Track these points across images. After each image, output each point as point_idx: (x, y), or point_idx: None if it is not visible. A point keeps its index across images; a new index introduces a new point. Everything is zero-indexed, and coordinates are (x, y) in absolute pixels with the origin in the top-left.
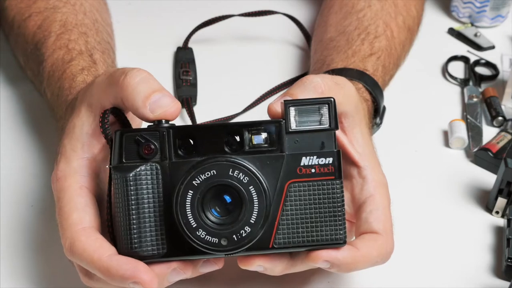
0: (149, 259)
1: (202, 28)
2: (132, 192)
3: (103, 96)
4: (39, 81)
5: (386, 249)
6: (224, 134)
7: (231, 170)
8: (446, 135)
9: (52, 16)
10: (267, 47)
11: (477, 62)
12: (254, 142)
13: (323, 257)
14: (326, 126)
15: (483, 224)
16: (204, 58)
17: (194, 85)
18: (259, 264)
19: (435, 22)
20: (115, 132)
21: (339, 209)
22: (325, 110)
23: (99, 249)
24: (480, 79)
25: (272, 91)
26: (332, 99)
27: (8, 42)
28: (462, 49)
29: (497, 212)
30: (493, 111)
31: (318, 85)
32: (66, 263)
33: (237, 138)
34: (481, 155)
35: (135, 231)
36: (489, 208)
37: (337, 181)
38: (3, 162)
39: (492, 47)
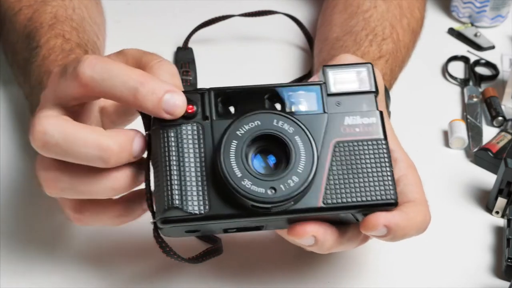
0: (192, 219)
1: (202, 28)
2: (174, 149)
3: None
4: (24, 66)
5: (426, 216)
6: (264, 96)
7: (275, 120)
8: (446, 135)
9: (42, 9)
10: (267, 47)
11: (477, 62)
12: (295, 103)
13: (381, 222)
14: (367, 88)
15: (483, 224)
16: (204, 58)
17: (194, 85)
18: (312, 233)
19: (435, 22)
20: None
21: (387, 168)
22: (364, 74)
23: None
24: (480, 79)
25: None
26: (370, 64)
27: (1, 40)
28: (462, 49)
29: (497, 212)
30: (493, 111)
31: (351, 58)
32: (66, 263)
33: (277, 101)
34: (481, 155)
35: (176, 187)
36: (489, 208)
37: (382, 141)
38: (3, 162)
39: (492, 47)
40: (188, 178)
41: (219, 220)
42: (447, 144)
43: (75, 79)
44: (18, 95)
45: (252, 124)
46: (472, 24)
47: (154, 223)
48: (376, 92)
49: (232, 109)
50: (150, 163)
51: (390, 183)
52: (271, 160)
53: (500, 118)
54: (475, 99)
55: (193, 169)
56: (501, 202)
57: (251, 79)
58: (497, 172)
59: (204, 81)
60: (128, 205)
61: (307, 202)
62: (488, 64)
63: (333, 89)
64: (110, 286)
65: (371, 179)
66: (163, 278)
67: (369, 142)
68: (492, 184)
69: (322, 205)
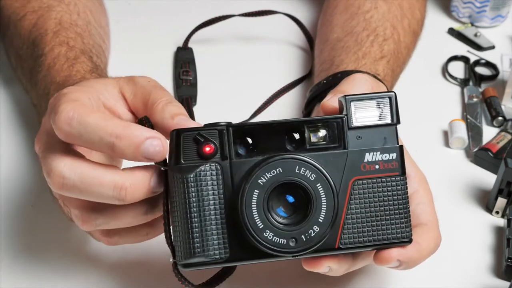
0: (212, 265)
1: (202, 28)
2: (193, 194)
3: None
4: (30, 75)
5: (438, 240)
6: (284, 132)
7: (297, 167)
8: (446, 135)
9: (46, 14)
10: (267, 47)
11: (477, 62)
12: (315, 139)
13: (395, 257)
14: (388, 121)
15: (483, 224)
16: (204, 58)
17: (194, 85)
18: (328, 265)
19: (435, 22)
20: (171, 132)
21: (404, 205)
22: (386, 105)
23: (113, 118)
24: (480, 79)
25: (278, 94)
26: (393, 93)
27: (3, 42)
28: (462, 49)
29: (497, 212)
30: (493, 111)
31: (368, 82)
32: (66, 263)
33: (297, 135)
34: (481, 155)
35: (197, 234)
36: (489, 208)
37: (401, 177)
38: (3, 162)
39: (492, 47)
40: (208, 223)
41: (239, 262)
42: (447, 144)
43: (56, 131)
44: (18, 95)
45: (274, 172)
46: (472, 24)
47: (174, 263)
48: (398, 123)
49: (250, 146)
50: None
51: (406, 221)
52: (289, 199)
53: (500, 118)
54: (475, 99)
55: (212, 213)
56: (501, 202)
57: (251, 78)
58: (497, 172)
59: (204, 81)
60: (153, 224)
61: (325, 245)
62: (488, 64)
63: (355, 122)
64: (110, 287)
65: (387, 217)
66: None
67: (388, 179)
68: (492, 184)
69: (340, 245)
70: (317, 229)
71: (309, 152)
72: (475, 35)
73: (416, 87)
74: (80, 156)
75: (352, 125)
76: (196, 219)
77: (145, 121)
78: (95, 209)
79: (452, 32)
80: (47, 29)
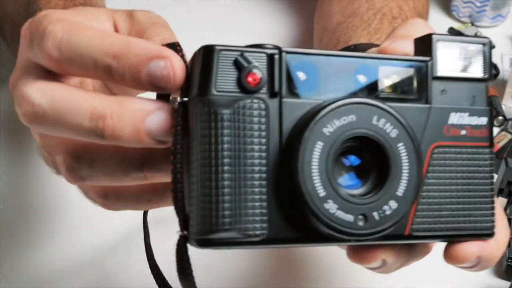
0: (242, 245)
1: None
2: (227, 138)
3: None
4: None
5: (508, 229)
6: (354, 70)
7: (376, 117)
8: None
9: None
10: None
11: None
12: (392, 85)
13: (475, 253)
14: (480, 74)
15: None
16: None
17: None
18: (383, 257)
19: (435, 21)
20: (201, 48)
21: (490, 187)
22: (478, 54)
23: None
24: None
25: None
26: (489, 40)
27: None
28: None
29: None
30: (494, 110)
31: (430, 29)
32: (66, 263)
33: (368, 78)
34: None
35: (227, 197)
36: None
37: (490, 150)
38: (3, 162)
39: (492, 47)
40: (243, 184)
41: (279, 244)
42: None
43: (44, 59)
44: None
45: (345, 120)
46: (472, 24)
47: (184, 238)
48: (490, 79)
49: (309, 83)
50: (178, 148)
51: (491, 207)
52: (353, 160)
53: (501, 117)
54: None
55: (250, 171)
56: (501, 201)
57: None
58: (498, 172)
59: None
60: (161, 191)
61: (393, 231)
62: None
63: (440, 71)
64: (110, 286)
65: (469, 200)
66: None
67: (474, 151)
68: None
69: (411, 232)
70: (394, 206)
71: (383, 101)
72: (475, 34)
73: None
74: (58, 81)
75: (437, 74)
76: (228, 175)
77: (178, 47)
78: (80, 153)
79: (452, 31)
80: None
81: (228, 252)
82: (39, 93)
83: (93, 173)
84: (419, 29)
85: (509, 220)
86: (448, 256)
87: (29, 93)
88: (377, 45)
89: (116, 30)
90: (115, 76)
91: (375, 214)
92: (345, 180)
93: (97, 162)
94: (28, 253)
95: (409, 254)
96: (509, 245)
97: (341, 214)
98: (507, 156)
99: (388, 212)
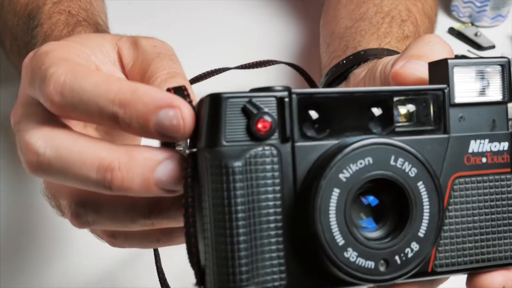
0: None
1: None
2: (240, 192)
3: None
4: (25, 50)
5: None
6: (367, 105)
7: (393, 157)
8: None
9: None
10: None
11: None
12: (409, 116)
13: (500, 283)
14: (499, 97)
15: None
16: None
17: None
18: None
19: None
20: (207, 97)
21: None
22: (496, 75)
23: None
24: None
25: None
26: (508, 59)
27: None
28: (463, 48)
29: None
30: None
31: (447, 47)
32: (66, 263)
33: (383, 112)
34: None
35: (245, 253)
36: None
37: (511, 176)
38: (3, 161)
39: (493, 47)
40: (259, 237)
41: None
42: None
43: (46, 102)
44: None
45: (361, 163)
46: (472, 24)
47: None
48: (510, 101)
49: (321, 124)
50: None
51: None
52: (371, 201)
53: None
54: None
55: (265, 222)
56: None
57: None
58: None
59: None
60: (170, 232)
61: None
62: None
63: (458, 97)
64: (109, 286)
65: (493, 230)
66: None
67: (497, 178)
68: None
69: (434, 268)
70: (416, 248)
71: (398, 135)
72: (475, 34)
73: None
74: (63, 127)
75: (455, 101)
76: (243, 229)
77: (186, 91)
78: (85, 200)
79: (452, 31)
80: (45, 0)
81: None
82: (43, 141)
83: (98, 220)
84: (434, 47)
85: None
86: (472, 286)
87: (33, 141)
88: (387, 50)
89: (120, 59)
90: (122, 125)
91: (397, 258)
92: (365, 223)
93: (103, 209)
94: (28, 252)
95: (432, 284)
96: None
97: (361, 261)
98: None
99: (410, 255)
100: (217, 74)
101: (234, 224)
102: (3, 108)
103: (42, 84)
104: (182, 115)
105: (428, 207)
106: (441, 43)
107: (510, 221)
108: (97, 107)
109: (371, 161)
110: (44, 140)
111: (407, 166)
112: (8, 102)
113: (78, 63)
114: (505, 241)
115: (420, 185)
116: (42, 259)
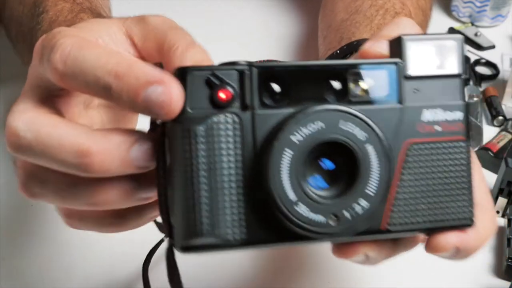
0: (222, 249)
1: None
2: (203, 153)
3: None
4: (30, 36)
5: (495, 222)
6: (323, 78)
7: (341, 121)
8: None
9: None
10: None
11: (478, 62)
12: (361, 89)
13: (454, 243)
14: (454, 71)
15: None
16: None
17: None
18: (365, 253)
19: (435, 21)
20: (177, 70)
21: (467, 179)
22: (451, 50)
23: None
24: (481, 78)
25: None
26: (461, 36)
27: (3, 19)
28: None
29: (497, 212)
30: (494, 110)
31: (416, 27)
32: (66, 263)
33: (339, 84)
34: (481, 155)
35: (205, 206)
36: None
37: (466, 143)
38: (3, 161)
39: (493, 47)
40: (220, 192)
41: (257, 246)
42: None
43: (51, 71)
44: (18, 94)
45: (312, 127)
46: (472, 24)
47: (171, 245)
48: (465, 74)
49: (279, 95)
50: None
51: (469, 198)
52: (328, 164)
53: (501, 117)
54: (475, 99)
55: (226, 179)
56: (501, 201)
57: None
58: (498, 172)
59: None
60: (122, 215)
61: (368, 227)
62: (489, 64)
63: (412, 70)
64: (109, 286)
65: (447, 192)
66: None
67: (450, 145)
68: (492, 184)
69: (388, 227)
70: (365, 205)
71: (353, 105)
72: (475, 34)
73: None
74: (51, 112)
75: (409, 74)
76: (204, 186)
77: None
78: (34, 172)
79: (452, 31)
80: None
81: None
82: (25, 125)
83: (43, 192)
84: (404, 30)
85: (509, 220)
86: (428, 246)
87: (15, 124)
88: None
89: (131, 39)
90: (113, 96)
91: (346, 213)
92: (319, 182)
93: (48, 183)
94: (28, 252)
95: (394, 246)
96: (509, 245)
97: (312, 215)
98: (507, 156)
99: (359, 211)
100: None
101: (196, 180)
102: (3, 108)
103: (50, 53)
104: (170, 93)
105: (378, 168)
106: (411, 26)
107: (464, 185)
108: (94, 77)
109: (322, 126)
110: (25, 123)
111: (357, 130)
112: (8, 102)
113: (86, 38)
114: (458, 203)
115: (369, 147)
116: (42, 259)
